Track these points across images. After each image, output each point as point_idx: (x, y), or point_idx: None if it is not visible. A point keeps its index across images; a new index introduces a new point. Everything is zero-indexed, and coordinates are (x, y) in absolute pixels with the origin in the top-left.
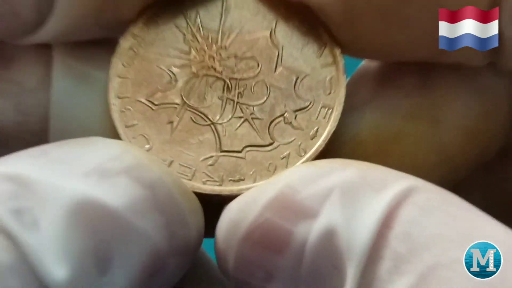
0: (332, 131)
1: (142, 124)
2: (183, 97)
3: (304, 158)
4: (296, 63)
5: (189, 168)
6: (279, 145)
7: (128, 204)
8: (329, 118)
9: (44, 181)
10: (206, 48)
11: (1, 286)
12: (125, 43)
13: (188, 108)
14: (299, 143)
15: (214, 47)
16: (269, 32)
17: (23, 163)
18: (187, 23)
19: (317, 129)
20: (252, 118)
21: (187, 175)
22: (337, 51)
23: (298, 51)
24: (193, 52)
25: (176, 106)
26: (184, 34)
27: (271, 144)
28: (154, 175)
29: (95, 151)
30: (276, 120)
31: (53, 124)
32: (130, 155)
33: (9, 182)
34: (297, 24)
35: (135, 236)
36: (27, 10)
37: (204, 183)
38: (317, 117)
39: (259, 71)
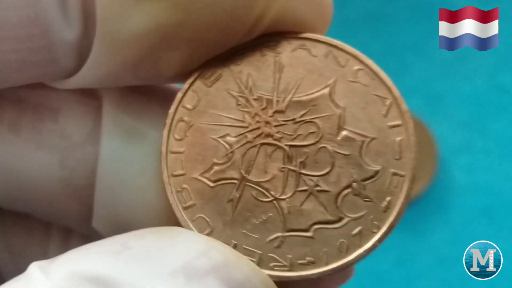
0: (406, 202)
1: (200, 204)
2: (242, 172)
3: (379, 235)
4: (361, 125)
5: (254, 251)
6: (349, 221)
7: None
8: (401, 187)
9: (129, 284)
10: (261, 113)
11: None
12: (176, 114)
13: (248, 183)
14: (371, 217)
15: (270, 111)
16: (328, 91)
17: (104, 261)
18: (239, 86)
19: (389, 200)
20: (318, 191)
21: (253, 260)
22: (405, 108)
23: (361, 111)
24: (247, 118)
25: (235, 182)
26: (236, 99)
27: (340, 220)
28: (242, 275)
29: (180, 246)
30: (344, 192)
31: (101, 182)
32: (217, 252)
33: (93, 286)
34: (357, 80)
35: None
36: (66, 58)
37: (271, 268)
38: (388, 186)
39: (321, 137)
